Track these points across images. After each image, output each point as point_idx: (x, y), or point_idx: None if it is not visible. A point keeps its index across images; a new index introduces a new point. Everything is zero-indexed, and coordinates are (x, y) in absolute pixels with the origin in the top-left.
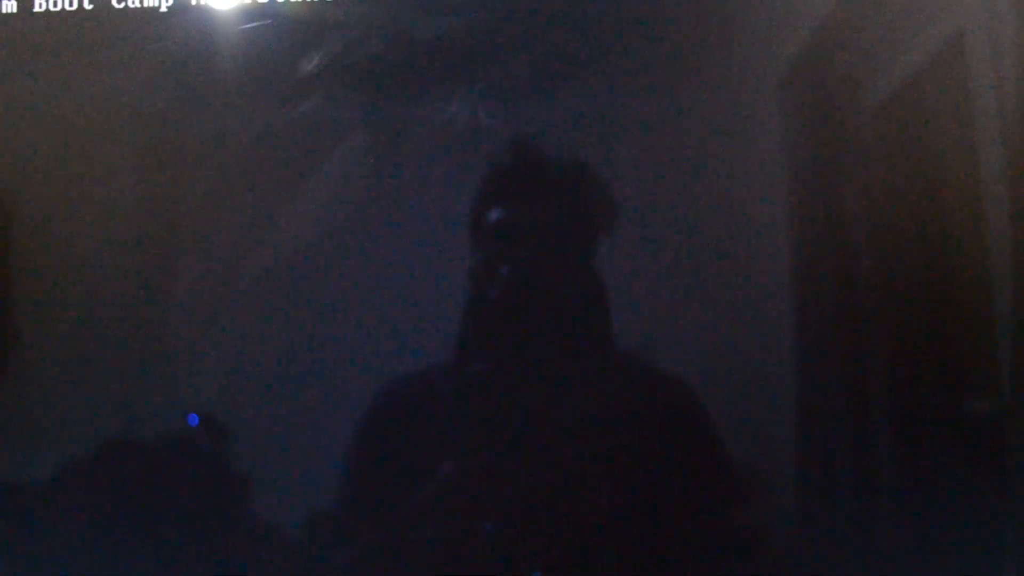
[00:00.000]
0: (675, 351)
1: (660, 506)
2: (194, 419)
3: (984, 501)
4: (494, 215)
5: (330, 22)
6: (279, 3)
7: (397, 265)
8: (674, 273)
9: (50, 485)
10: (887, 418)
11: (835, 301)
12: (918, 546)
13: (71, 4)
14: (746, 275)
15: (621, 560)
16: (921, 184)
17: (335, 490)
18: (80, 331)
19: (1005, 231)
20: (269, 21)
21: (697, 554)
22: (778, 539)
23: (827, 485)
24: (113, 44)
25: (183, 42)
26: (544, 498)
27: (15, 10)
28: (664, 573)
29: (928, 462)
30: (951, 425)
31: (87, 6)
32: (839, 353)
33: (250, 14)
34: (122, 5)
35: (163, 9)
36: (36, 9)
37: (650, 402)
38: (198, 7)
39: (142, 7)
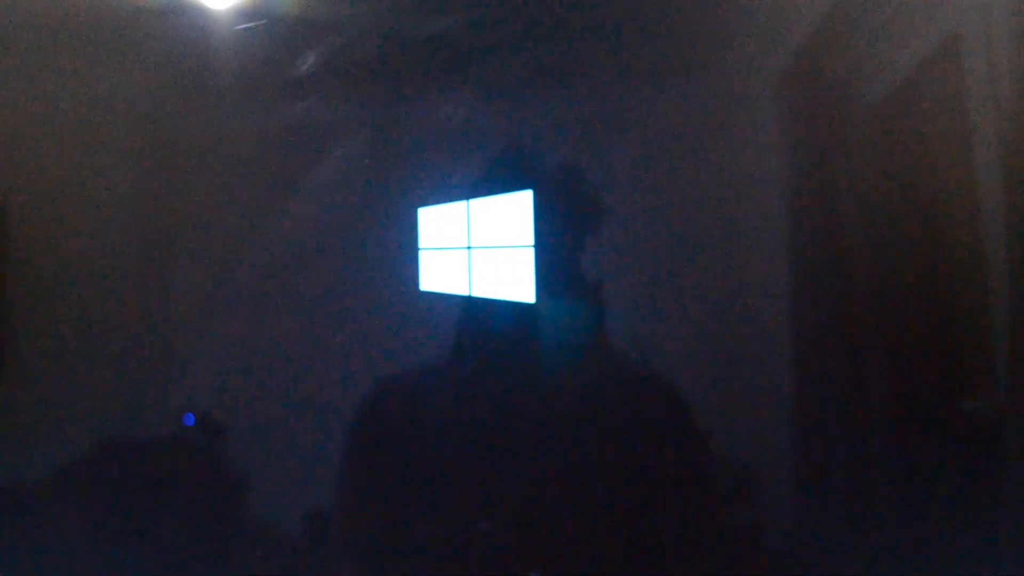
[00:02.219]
0: (671, 349)
1: (658, 504)
2: (190, 418)
3: (980, 498)
4: (486, 214)
5: (325, 21)
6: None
7: (392, 263)
8: (670, 270)
9: (46, 484)
10: (883, 415)
11: (831, 299)
12: (914, 542)
13: None
14: (742, 273)
15: (619, 559)
16: (917, 183)
17: (331, 489)
18: (76, 330)
19: (1001, 229)
20: (264, 21)
21: (694, 553)
22: (775, 536)
23: (824, 483)
24: (109, 41)
25: (179, 39)
26: (542, 497)
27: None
28: (663, 571)
29: (924, 460)
30: (947, 423)
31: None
32: (835, 351)
33: (246, 13)
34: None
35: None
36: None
37: (646, 398)
38: (195, 5)
39: (139, 4)
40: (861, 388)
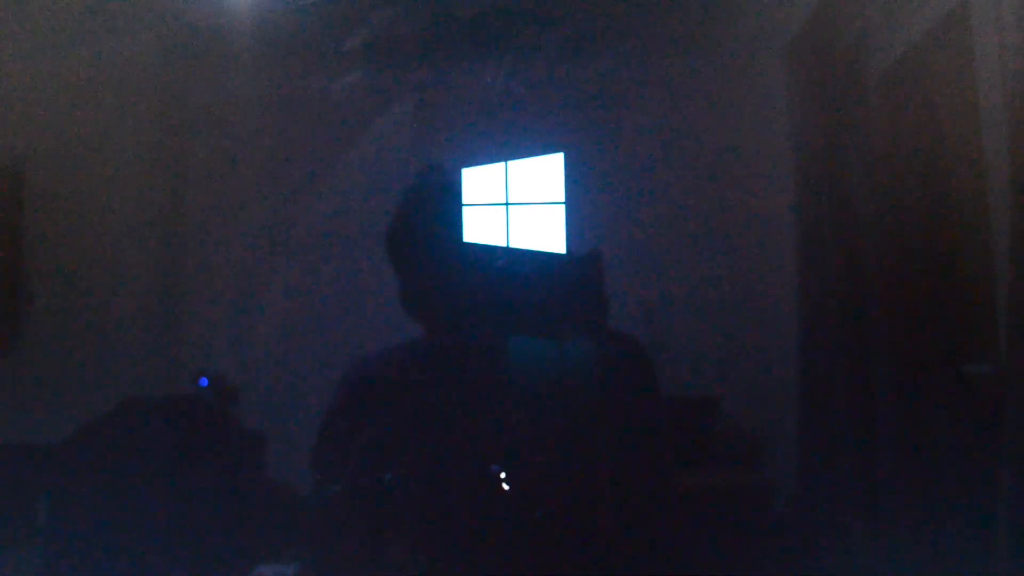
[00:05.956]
0: (675, 311)
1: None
2: (204, 381)
3: (980, 458)
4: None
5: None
6: None
7: (440, 217)
8: (676, 234)
9: (65, 445)
10: (889, 379)
11: (839, 268)
12: (918, 501)
13: None
14: (750, 239)
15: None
16: (925, 151)
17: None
18: (93, 297)
19: (1008, 197)
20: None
21: (700, 506)
22: (782, 495)
23: (831, 445)
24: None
25: (220, 16)
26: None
27: None
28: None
29: (929, 420)
30: (951, 386)
31: None
32: (843, 317)
33: None
34: None
35: None
36: None
37: (635, 373)
38: None
39: None
40: (870, 351)
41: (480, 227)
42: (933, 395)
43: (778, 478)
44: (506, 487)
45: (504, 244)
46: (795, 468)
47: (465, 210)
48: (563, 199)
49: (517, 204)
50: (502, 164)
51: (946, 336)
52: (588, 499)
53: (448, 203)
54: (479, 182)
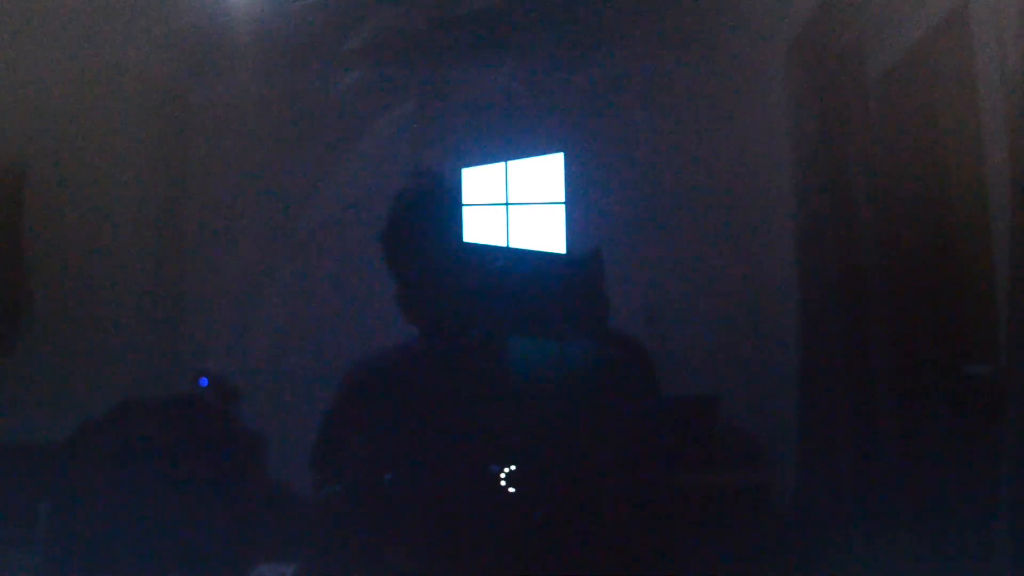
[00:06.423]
0: (675, 311)
1: (652, 471)
2: (204, 381)
3: (980, 458)
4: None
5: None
6: None
7: (439, 217)
8: (676, 234)
9: (65, 446)
10: (889, 379)
11: (839, 268)
12: (918, 501)
13: None
14: (749, 240)
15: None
16: (924, 151)
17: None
18: (93, 296)
19: (1007, 197)
20: None
21: (700, 510)
22: (781, 500)
23: (830, 449)
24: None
25: (220, 16)
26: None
27: None
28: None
29: (929, 420)
30: (952, 388)
31: None
32: (842, 319)
33: None
34: None
35: None
36: None
37: (635, 373)
38: None
39: None
40: (870, 354)
41: (480, 227)
42: (933, 395)
43: (778, 478)
44: (506, 487)
45: (504, 244)
46: (795, 468)
47: (465, 210)
48: (563, 199)
49: (517, 204)
50: (502, 164)
51: (946, 336)
52: (588, 499)
53: (447, 203)
54: (479, 182)
